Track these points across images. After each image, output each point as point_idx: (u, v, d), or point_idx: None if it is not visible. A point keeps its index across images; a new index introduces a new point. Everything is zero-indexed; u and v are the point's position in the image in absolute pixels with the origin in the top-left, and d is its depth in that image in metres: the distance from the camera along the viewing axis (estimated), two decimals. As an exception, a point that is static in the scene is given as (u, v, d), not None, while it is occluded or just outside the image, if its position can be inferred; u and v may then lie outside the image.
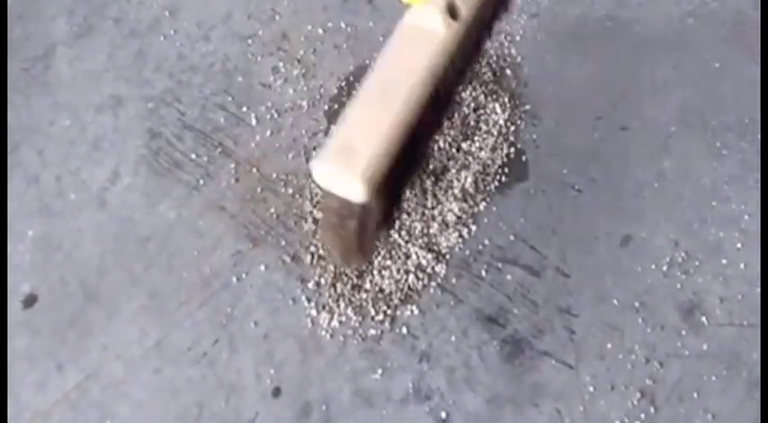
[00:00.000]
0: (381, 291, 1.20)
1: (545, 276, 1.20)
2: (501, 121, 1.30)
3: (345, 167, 0.94)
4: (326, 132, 1.33)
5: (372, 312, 1.19)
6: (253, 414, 1.14)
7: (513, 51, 1.36)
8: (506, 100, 1.32)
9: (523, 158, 1.29)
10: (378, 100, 0.99)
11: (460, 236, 1.23)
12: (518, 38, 1.38)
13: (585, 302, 1.18)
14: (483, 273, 1.21)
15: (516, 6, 1.32)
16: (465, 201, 1.25)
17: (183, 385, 1.17)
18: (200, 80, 1.39)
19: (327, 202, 1.01)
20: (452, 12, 1.04)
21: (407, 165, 1.05)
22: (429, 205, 1.25)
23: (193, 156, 1.32)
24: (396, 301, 1.19)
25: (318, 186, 0.98)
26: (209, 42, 1.42)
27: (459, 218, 1.24)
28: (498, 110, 1.31)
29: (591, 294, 1.19)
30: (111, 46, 1.42)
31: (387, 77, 1.01)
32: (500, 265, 1.22)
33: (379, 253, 1.22)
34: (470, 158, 1.28)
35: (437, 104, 1.08)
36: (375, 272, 1.21)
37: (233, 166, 1.31)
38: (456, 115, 1.31)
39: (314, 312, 1.20)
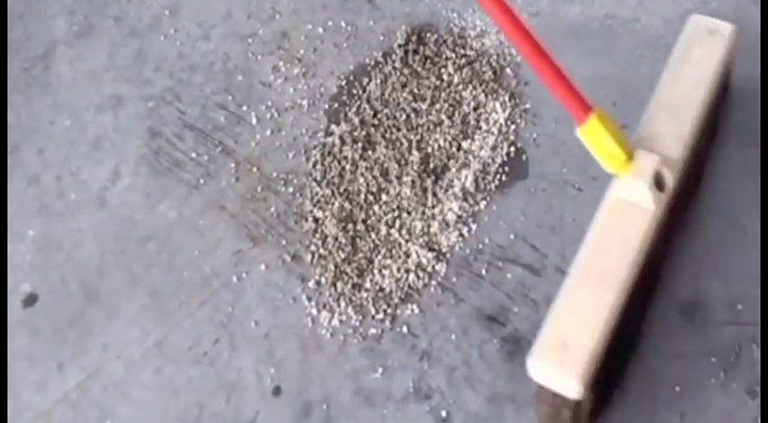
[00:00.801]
0: (382, 290, 1.20)
1: (545, 275, 1.20)
2: (501, 120, 1.30)
3: (560, 365, 0.93)
4: (327, 132, 1.32)
5: (373, 311, 1.19)
6: (253, 413, 1.14)
7: (513, 50, 1.36)
8: (507, 99, 1.32)
9: (524, 157, 1.29)
10: (590, 286, 0.97)
11: (461, 235, 1.23)
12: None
13: (586, 301, 1.18)
14: (483, 271, 1.21)
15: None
16: (465, 200, 1.25)
17: (183, 385, 1.17)
18: (201, 79, 1.39)
19: (543, 393, 0.99)
20: (659, 183, 1.03)
21: (621, 351, 1.04)
22: (429, 204, 1.25)
23: (194, 155, 1.32)
24: (396, 300, 1.19)
25: (535, 380, 0.97)
26: (210, 41, 1.42)
27: (459, 217, 1.24)
28: (498, 109, 1.31)
29: (591, 293, 1.19)
30: (111, 45, 1.42)
31: (598, 261, 0.99)
32: (500, 263, 1.22)
33: (379, 252, 1.22)
34: (471, 157, 1.28)
35: (647, 281, 1.06)
36: (375, 271, 1.21)
37: (233, 165, 1.31)
38: (457, 114, 1.31)
39: (314, 311, 1.20)
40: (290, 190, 1.29)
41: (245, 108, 1.36)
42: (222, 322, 1.20)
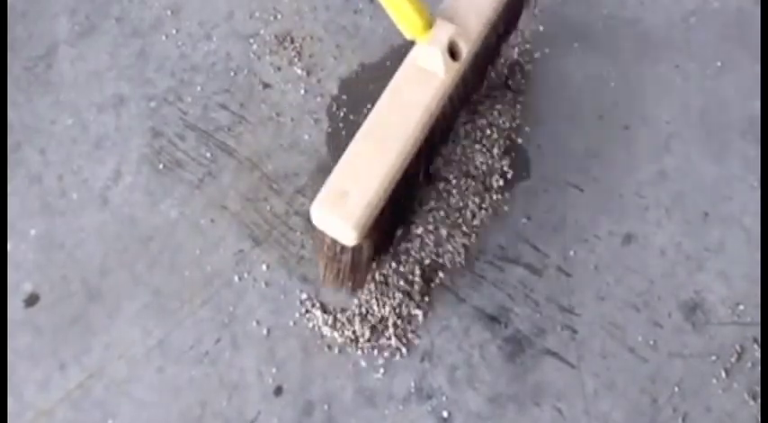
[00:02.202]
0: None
1: (547, 275, 1.21)
2: (502, 121, 1.30)
3: (338, 213, 0.99)
4: (327, 132, 1.33)
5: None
6: (255, 413, 1.15)
7: (514, 50, 1.36)
8: (508, 99, 1.32)
9: (525, 157, 1.29)
10: (374, 143, 1.03)
11: (462, 235, 1.23)
12: (520, 37, 1.38)
13: (587, 301, 1.18)
14: (485, 272, 1.21)
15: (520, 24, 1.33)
16: (466, 200, 1.25)
17: (185, 384, 1.17)
18: (203, 79, 1.39)
19: (323, 238, 1.06)
20: (453, 52, 1.07)
21: (401, 205, 1.11)
22: (430, 204, 1.25)
23: (195, 155, 1.32)
24: (397, 300, 1.19)
25: (316, 227, 1.03)
26: (211, 41, 1.42)
27: (459, 217, 1.24)
28: (501, 109, 1.31)
29: (592, 293, 1.19)
30: (113, 45, 1.42)
31: (384, 120, 1.04)
32: (502, 264, 1.22)
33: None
34: (471, 157, 1.28)
35: (432, 143, 1.12)
36: (375, 271, 1.21)
37: (235, 165, 1.31)
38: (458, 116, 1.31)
39: (316, 311, 1.20)
40: (292, 190, 1.29)
41: (246, 108, 1.36)
42: (224, 322, 1.20)
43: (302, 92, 1.36)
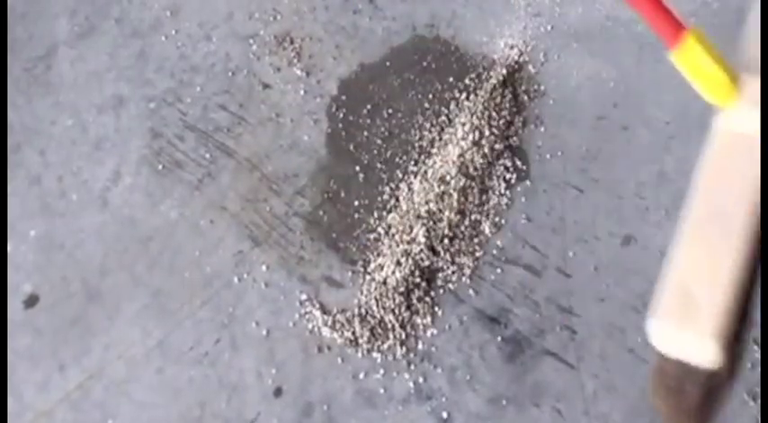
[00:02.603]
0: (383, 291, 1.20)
1: (546, 276, 1.20)
2: (503, 122, 1.30)
3: (692, 326, 0.76)
4: (327, 133, 1.33)
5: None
6: (254, 414, 1.15)
7: (514, 51, 1.36)
8: (509, 101, 1.32)
9: (525, 158, 1.29)
10: (712, 232, 0.83)
11: (462, 236, 1.23)
12: (520, 38, 1.38)
13: (587, 302, 1.18)
14: (484, 273, 1.21)
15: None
16: (466, 201, 1.25)
17: (184, 385, 1.17)
18: (202, 80, 1.39)
19: (665, 365, 0.81)
20: None
21: (748, 306, 0.86)
22: (430, 206, 1.25)
23: (195, 156, 1.32)
24: (397, 302, 1.19)
25: (657, 348, 0.81)
26: (211, 42, 1.42)
27: (460, 218, 1.24)
28: (501, 110, 1.31)
29: (592, 294, 1.19)
30: (112, 46, 1.42)
31: (715, 203, 0.84)
32: (501, 264, 1.22)
33: (380, 253, 1.22)
34: (471, 159, 1.28)
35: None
36: (376, 272, 1.21)
37: (234, 165, 1.31)
38: (459, 118, 1.31)
39: (315, 312, 1.20)
40: (291, 190, 1.29)
41: (246, 109, 1.36)
42: (223, 323, 1.20)
43: (302, 92, 1.36)
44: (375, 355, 1.17)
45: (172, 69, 1.40)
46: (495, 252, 1.22)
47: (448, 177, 1.26)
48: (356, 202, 1.27)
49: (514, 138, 1.30)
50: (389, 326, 1.18)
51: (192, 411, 1.15)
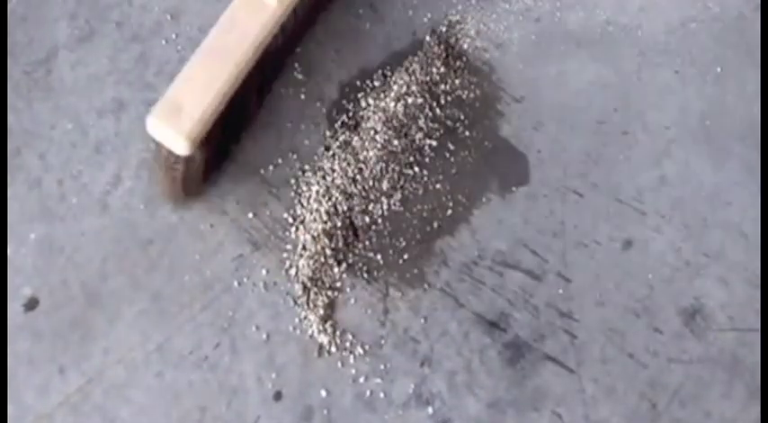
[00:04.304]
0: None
1: (546, 281, 1.21)
2: (502, 125, 1.31)
3: (172, 125, 1.10)
4: (328, 135, 1.33)
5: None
6: (254, 418, 1.14)
7: (514, 55, 1.37)
8: (507, 104, 1.33)
9: (524, 162, 1.29)
10: (209, 63, 1.14)
11: (462, 240, 1.23)
12: (519, 42, 1.38)
13: (587, 307, 1.18)
14: (484, 277, 1.21)
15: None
16: (466, 204, 1.25)
17: (184, 389, 1.17)
18: (202, 84, 1.39)
19: (160, 150, 1.16)
20: None
21: (233, 121, 1.22)
22: (430, 208, 1.25)
23: (195, 159, 1.32)
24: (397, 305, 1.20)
25: (151, 137, 1.13)
26: (211, 46, 1.42)
27: (460, 221, 1.24)
28: (499, 114, 1.31)
29: (592, 299, 1.19)
30: (113, 49, 1.42)
31: (220, 42, 1.15)
32: (501, 269, 1.22)
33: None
34: (471, 162, 1.28)
35: (265, 65, 1.22)
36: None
37: (234, 169, 1.31)
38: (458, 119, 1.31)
39: (311, 317, 1.20)
40: (291, 195, 1.29)
41: (246, 113, 1.36)
42: (223, 327, 1.20)
43: (302, 97, 1.36)
44: (375, 359, 1.17)
45: (172, 73, 1.39)
46: (494, 256, 1.22)
47: (448, 179, 1.26)
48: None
49: (514, 141, 1.30)
50: (390, 330, 1.18)
51: (191, 415, 1.15)
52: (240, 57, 1.14)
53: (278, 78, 1.33)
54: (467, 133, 1.31)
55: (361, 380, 1.16)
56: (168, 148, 1.13)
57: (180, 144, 1.10)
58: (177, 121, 1.10)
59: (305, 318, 1.20)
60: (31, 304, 1.24)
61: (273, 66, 1.30)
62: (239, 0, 1.18)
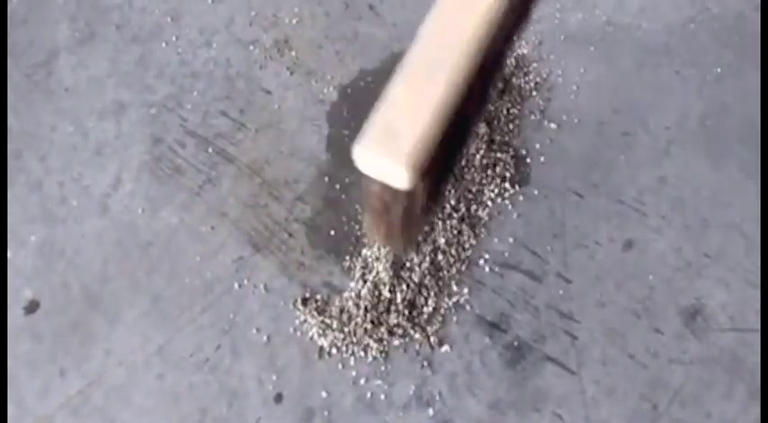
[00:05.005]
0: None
1: (547, 282, 1.20)
2: (504, 127, 1.31)
3: (389, 153, 0.87)
4: (327, 139, 1.33)
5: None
6: (255, 420, 1.14)
7: (514, 57, 1.37)
8: (507, 105, 1.33)
9: (525, 163, 1.29)
10: (421, 77, 0.92)
11: (462, 241, 1.23)
12: (520, 44, 1.38)
13: (587, 308, 1.18)
14: (484, 278, 1.21)
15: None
16: (466, 206, 1.25)
17: (185, 391, 1.17)
18: (202, 86, 1.39)
19: (371, 187, 0.94)
20: None
21: (454, 143, 0.99)
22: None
23: (195, 162, 1.32)
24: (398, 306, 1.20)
25: (361, 172, 0.91)
26: (211, 48, 1.42)
27: (460, 223, 1.24)
28: (499, 115, 1.31)
29: (593, 300, 1.19)
30: (113, 52, 1.42)
31: (430, 51, 0.94)
32: (502, 270, 1.22)
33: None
34: (471, 164, 1.28)
35: (484, 76, 1.00)
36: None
37: (235, 171, 1.31)
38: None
39: (311, 320, 1.20)
40: (292, 196, 1.29)
41: (246, 115, 1.36)
42: (224, 329, 1.20)
43: (302, 98, 1.36)
44: (376, 360, 1.17)
45: (172, 75, 1.40)
46: (495, 257, 1.22)
47: (448, 181, 1.26)
48: (357, 208, 1.27)
49: (515, 143, 1.30)
50: (389, 332, 1.18)
51: (192, 417, 1.15)
52: (455, 68, 0.92)
53: (495, 85, 1.14)
54: (467, 134, 1.31)
55: (362, 381, 1.16)
56: (384, 182, 0.91)
57: (401, 175, 0.88)
58: (396, 149, 0.88)
59: (305, 320, 1.20)
60: (32, 307, 1.24)
61: (492, 70, 1.07)
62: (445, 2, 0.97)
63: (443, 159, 0.95)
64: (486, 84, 1.04)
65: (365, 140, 0.88)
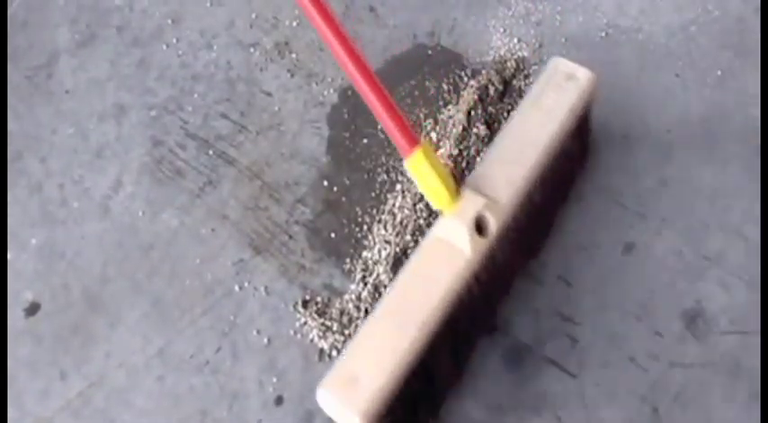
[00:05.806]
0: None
1: (547, 284, 1.20)
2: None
3: (345, 400, 0.92)
4: (327, 141, 1.33)
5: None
6: (255, 422, 1.14)
7: (515, 59, 1.37)
8: (508, 107, 1.33)
9: (525, 166, 1.29)
10: (391, 325, 0.95)
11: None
12: (521, 47, 1.38)
13: (588, 310, 1.18)
14: (485, 281, 1.21)
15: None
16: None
17: (185, 393, 1.17)
18: (203, 88, 1.39)
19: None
20: (481, 227, 0.99)
21: (419, 391, 1.02)
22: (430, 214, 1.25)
23: (196, 164, 1.33)
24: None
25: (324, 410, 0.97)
26: (212, 51, 1.42)
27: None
28: (500, 117, 1.31)
29: (593, 302, 1.19)
30: (113, 54, 1.43)
31: (403, 300, 0.97)
32: (502, 272, 1.22)
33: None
34: (471, 166, 1.28)
35: (457, 328, 1.03)
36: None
37: (235, 174, 1.31)
38: (459, 123, 1.31)
39: (311, 322, 1.20)
40: (292, 199, 1.29)
41: (247, 117, 1.36)
42: (224, 331, 1.20)
43: (303, 101, 1.37)
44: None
45: (173, 78, 1.40)
46: (495, 260, 1.22)
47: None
48: (357, 210, 1.27)
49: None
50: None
51: (192, 419, 1.15)
52: (426, 320, 0.95)
53: (475, 342, 1.15)
54: (467, 137, 1.31)
55: (362, 384, 1.16)
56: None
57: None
58: (352, 395, 0.92)
59: (305, 323, 1.20)
60: (33, 309, 1.24)
61: (469, 324, 1.10)
62: (424, 247, 1.00)
63: (404, 404, 0.97)
64: (458, 335, 1.06)
65: (327, 382, 0.94)
